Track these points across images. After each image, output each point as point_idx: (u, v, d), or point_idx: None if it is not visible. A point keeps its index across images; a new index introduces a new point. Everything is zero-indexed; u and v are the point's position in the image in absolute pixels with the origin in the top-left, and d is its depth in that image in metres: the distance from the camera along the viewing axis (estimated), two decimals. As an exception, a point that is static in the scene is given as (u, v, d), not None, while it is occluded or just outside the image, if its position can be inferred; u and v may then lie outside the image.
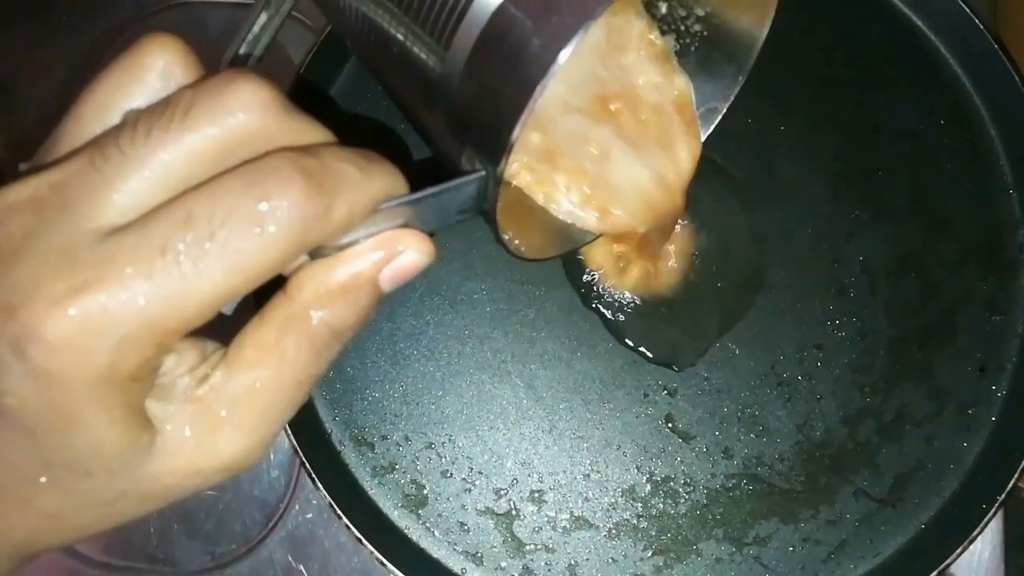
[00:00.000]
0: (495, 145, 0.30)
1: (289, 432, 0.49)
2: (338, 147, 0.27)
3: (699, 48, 0.43)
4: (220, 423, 0.27)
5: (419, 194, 0.28)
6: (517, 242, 0.38)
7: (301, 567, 0.55)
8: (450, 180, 0.30)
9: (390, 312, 0.53)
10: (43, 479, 0.26)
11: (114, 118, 0.27)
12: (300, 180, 0.25)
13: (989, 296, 0.54)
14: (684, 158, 0.43)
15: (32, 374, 0.24)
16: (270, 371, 0.27)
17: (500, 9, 0.29)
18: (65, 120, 0.27)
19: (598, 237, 0.43)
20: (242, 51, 0.35)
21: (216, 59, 0.57)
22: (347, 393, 0.53)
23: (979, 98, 0.55)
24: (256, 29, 0.34)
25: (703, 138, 0.43)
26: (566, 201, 0.41)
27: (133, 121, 0.25)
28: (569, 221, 0.42)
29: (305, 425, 0.51)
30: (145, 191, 0.25)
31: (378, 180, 0.27)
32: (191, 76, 0.27)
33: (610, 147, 0.42)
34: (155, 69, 0.27)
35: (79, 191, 0.25)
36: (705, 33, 0.42)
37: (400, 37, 0.31)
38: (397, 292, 0.51)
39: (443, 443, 0.52)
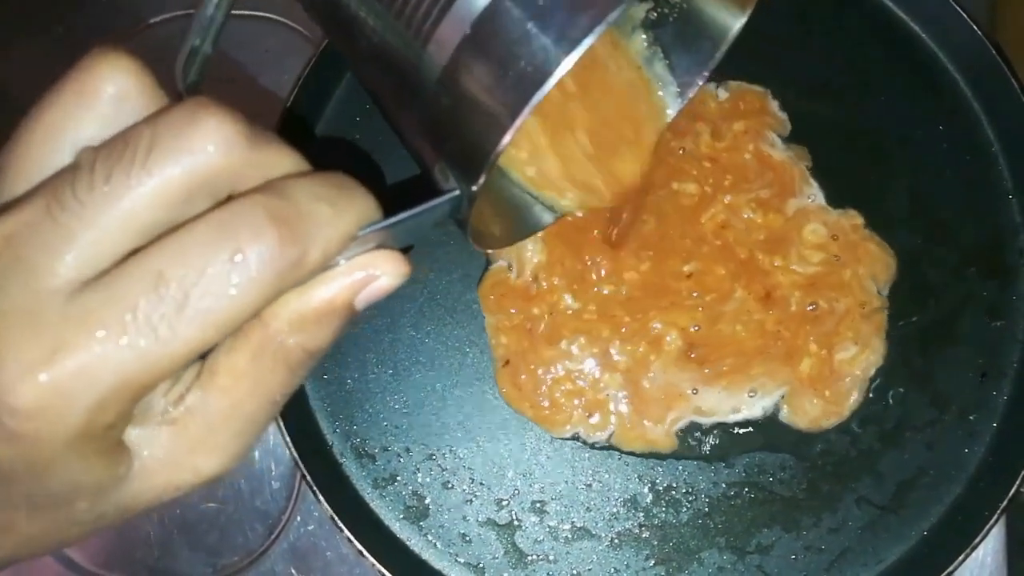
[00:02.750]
0: (473, 165, 0.29)
1: (290, 444, 0.49)
2: (309, 179, 0.26)
3: (677, 19, 0.42)
4: (197, 443, 0.27)
5: (392, 220, 0.28)
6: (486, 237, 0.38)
7: None
8: (423, 203, 0.29)
9: (390, 323, 0.53)
10: (22, 512, 0.26)
11: (64, 151, 0.25)
12: (273, 230, 0.24)
13: (989, 302, 0.54)
14: (629, 169, 0.43)
15: (6, 437, 0.23)
16: (245, 393, 0.27)
17: (493, 3, 0.28)
18: (11, 148, 0.26)
19: (555, 222, 0.43)
20: (196, 42, 0.33)
21: (218, 71, 0.58)
22: (348, 405, 0.53)
23: (978, 103, 0.56)
24: (209, 12, 0.32)
25: (673, 114, 0.43)
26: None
27: (89, 164, 0.24)
28: (542, 201, 0.42)
29: (306, 437, 0.51)
30: (109, 242, 0.24)
31: (351, 213, 0.26)
32: (146, 100, 0.26)
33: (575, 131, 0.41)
34: (106, 94, 0.25)
35: (38, 245, 0.23)
36: (684, 4, 0.41)
37: (373, 26, 0.30)
38: (397, 303, 0.53)
39: (444, 454, 0.52)
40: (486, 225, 0.39)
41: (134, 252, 0.24)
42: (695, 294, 0.53)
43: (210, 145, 0.24)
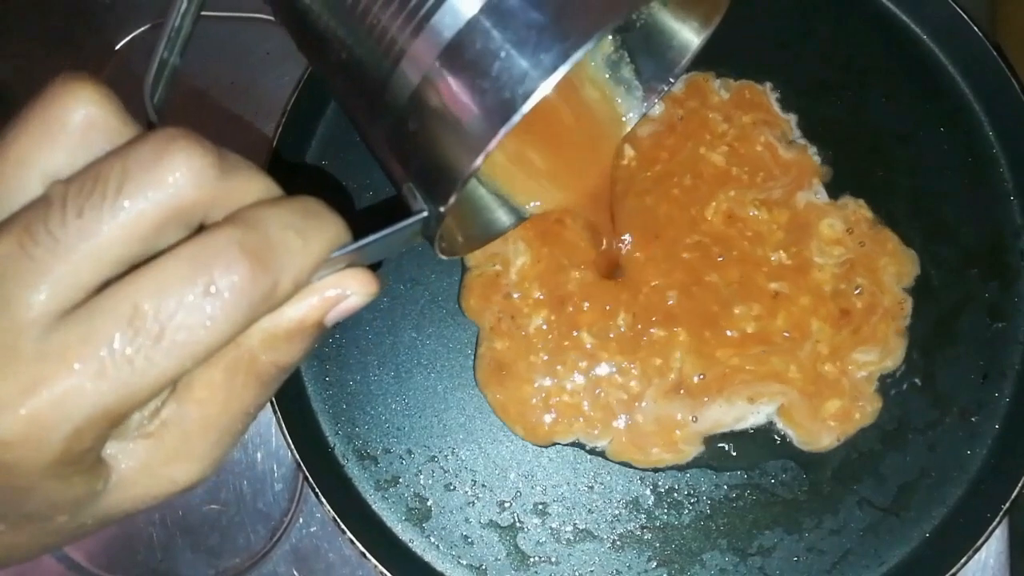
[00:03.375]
0: (441, 187, 0.30)
1: (292, 446, 0.49)
2: (278, 208, 0.26)
3: (644, 24, 0.42)
4: (173, 455, 0.28)
5: (361, 243, 0.28)
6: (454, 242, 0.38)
7: None
8: (392, 224, 0.30)
9: (392, 325, 0.53)
10: (2, 525, 0.27)
11: (34, 181, 0.25)
12: (245, 263, 0.24)
13: (991, 302, 0.54)
14: (589, 178, 0.43)
15: None
16: (220, 407, 0.27)
17: (469, 25, 0.28)
18: None
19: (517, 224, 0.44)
20: (164, 55, 0.32)
21: (218, 75, 0.58)
22: (349, 407, 0.53)
23: (978, 104, 0.56)
24: (176, 23, 0.32)
25: (636, 120, 0.43)
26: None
27: (61, 199, 0.24)
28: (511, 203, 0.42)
29: (308, 439, 0.52)
30: (83, 275, 0.24)
31: (320, 240, 0.26)
32: (114, 127, 0.26)
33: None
34: (73, 123, 0.25)
35: (12, 279, 0.24)
36: (648, 18, 0.41)
37: (342, 40, 0.31)
38: (399, 305, 0.53)
39: (446, 456, 0.53)
40: (451, 233, 0.40)
41: (109, 283, 0.24)
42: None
43: (180, 179, 0.24)
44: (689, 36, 0.39)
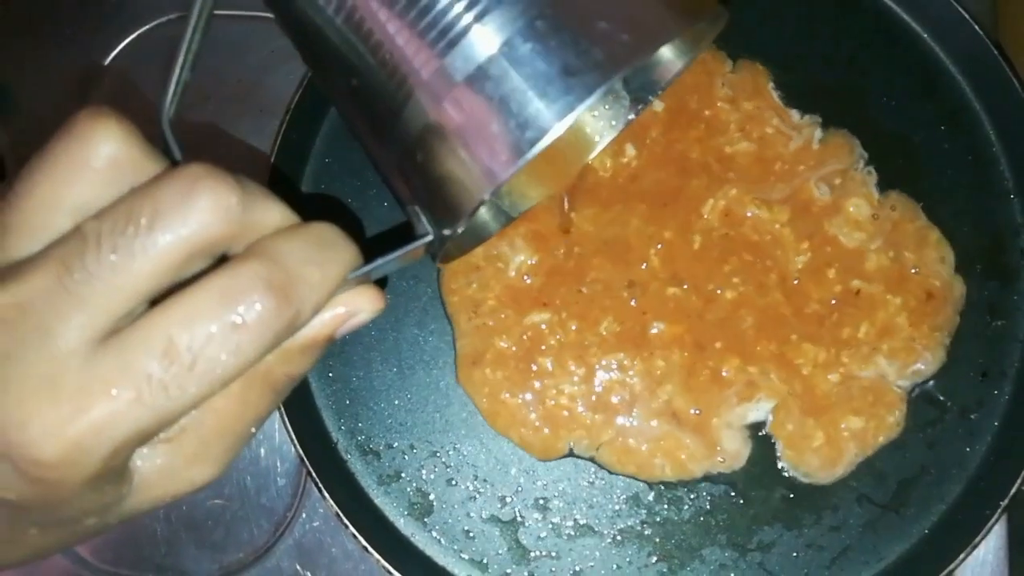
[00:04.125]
0: (447, 216, 0.31)
1: (295, 442, 0.50)
2: (298, 241, 0.28)
3: None
4: (192, 458, 0.30)
5: (370, 266, 0.30)
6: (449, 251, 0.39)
7: (308, 574, 0.56)
8: (400, 248, 0.32)
9: (395, 321, 0.54)
10: (35, 529, 0.29)
11: (63, 216, 0.27)
12: (271, 297, 0.27)
13: (990, 301, 0.55)
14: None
15: (28, 480, 0.26)
16: (236, 414, 0.30)
17: (484, 66, 0.29)
18: (10, 212, 0.27)
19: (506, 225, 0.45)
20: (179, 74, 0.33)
21: (225, 73, 0.59)
22: (353, 402, 0.54)
23: (979, 104, 0.57)
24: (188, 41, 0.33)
25: (621, 128, 0.43)
26: None
27: (96, 236, 0.26)
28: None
29: (311, 434, 0.53)
30: (117, 305, 0.26)
31: (337, 269, 0.29)
32: (138, 161, 0.28)
33: None
34: (100, 161, 0.27)
35: (51, 312, 0.26)
36: None
37: (354, 67, 0.32)
38: (402, 302, 0.54)
39: (448, 451, 0.53)
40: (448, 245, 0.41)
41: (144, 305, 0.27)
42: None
43: (207, 216, 0.26)
44: (680, 56, 0.40)
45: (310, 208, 0.53)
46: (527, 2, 0.29)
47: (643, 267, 0.54)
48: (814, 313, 0.54)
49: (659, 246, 0.54)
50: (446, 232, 0.32)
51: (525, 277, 0.54)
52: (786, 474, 0.53)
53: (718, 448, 0.52)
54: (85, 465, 0.26)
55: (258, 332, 0.27)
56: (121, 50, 0.61)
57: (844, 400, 0.53)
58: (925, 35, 0.57)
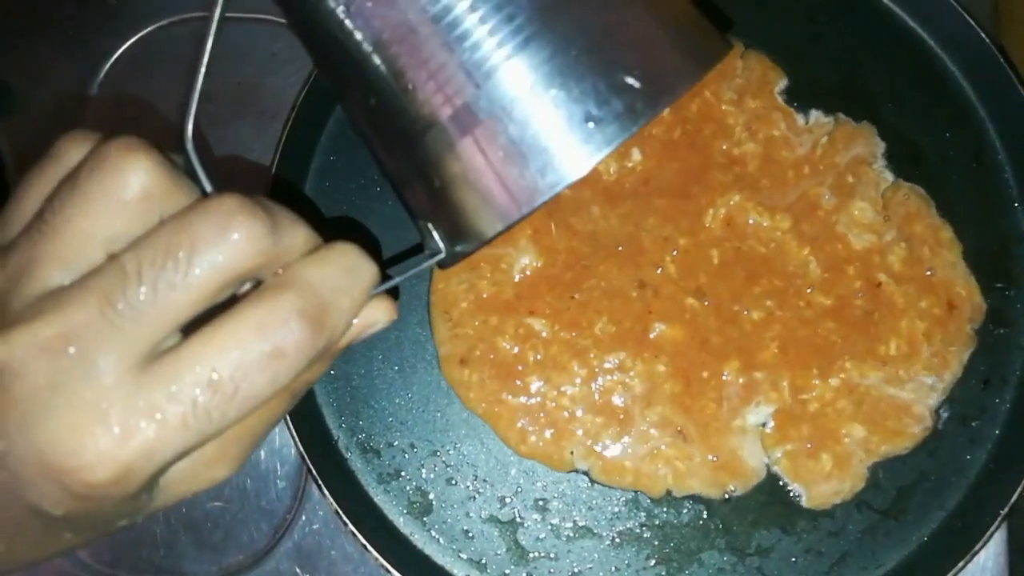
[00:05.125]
0: (459, 238, 0.34)
1: (296, 439, 0.51)
2: (327, 267, 0.31)
3: None
4: (213, 460, 0.32)
5: (389, 284, 0.33)
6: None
7: None
8: (413, 266, 0.35)
9: (397, 320, 0.54)
10: (70, 533, 0.31)
11: (96, 248, 0.29)
12: (306, 328, 0.29)
13: (993, 308, 0.55)
14: None
15: (75, 498, 0.28)
16: (256, 419, 0.32)
17: (510, 108, 0.31)
18: (44, 243, 0.29)
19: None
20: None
21: (226, 74, 0.60)
22: (354, 400, 0.55)
23: (984, 110, 0.57)
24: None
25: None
26: None
27: (136, 271, 0.28)
28: None
29: (312, 432, 0.54)
30: (158, 334, 0.28)
31: (362, 292, 0.32)
32: (169, 191, 0.29)
33: None
34: (132, 195, 0.29)
35: (95, 343, 0.28)
36: None
37: (375, 91, 0.33)
38: (404, 300, 0.55)
39: (448, 451, 0.55)
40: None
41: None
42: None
43: (242, 250, 0.29)
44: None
45: (316, 208, 0.55)
46: (554, 49, 0.31)
47: (658, 271, 0.55)
48: (835, 334, 0.55)
49: (674, 252, 0.55)
50: (457, 250, 0.34)
51: (517, 276, 0.55)
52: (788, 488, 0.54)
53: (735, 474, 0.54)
54: (132, 483, 0.28)
55: (294, 359, 0.29)
56: (123, 52, 0.62)
57: (859, 420, 0.54)
58: (930, 41, 0.58)
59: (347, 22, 0.32)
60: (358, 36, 0.32)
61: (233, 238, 0.28)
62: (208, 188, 0.32)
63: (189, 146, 0.32)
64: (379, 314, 0.34)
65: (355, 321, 0.33)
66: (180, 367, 0.28)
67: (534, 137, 0.31)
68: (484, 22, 0.31)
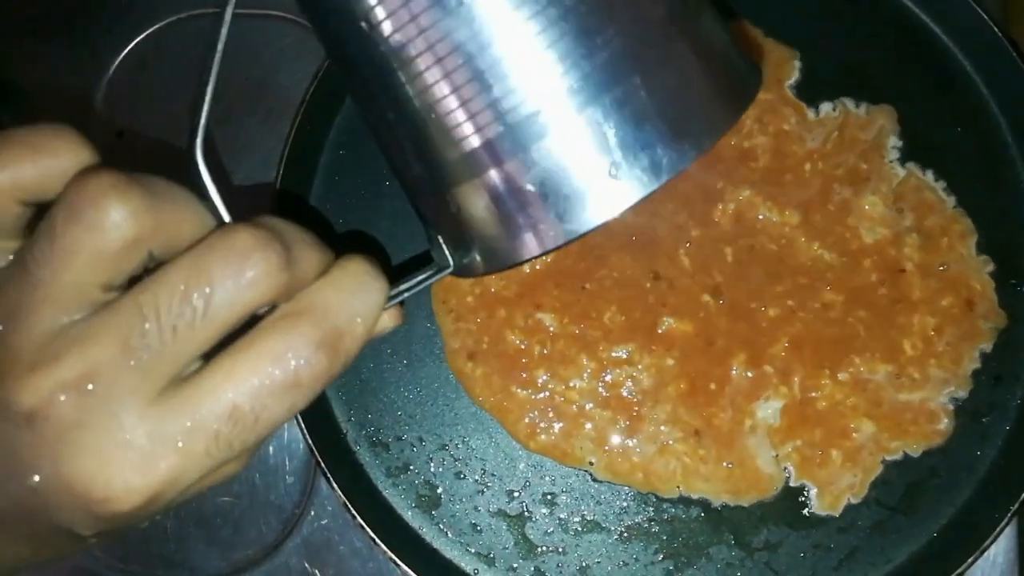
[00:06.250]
0: (471, 265, 0.35)
1: (305, 433, 0.53)
2: (341, 292, 0.32)
3: None
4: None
5: (397, 298, 0.35)
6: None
7: (316, 572, 0.58)
8: (422, 279, 0.36)
9: (405, 314, 0.55)
10: (91, 541, 0.33)
11: (94, 292, 0.29)
12: (323, 357, 0.31)
13: (1005, 304, 0.56)
14: None
15: (104, 522, 0.30)
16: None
17: (533, 155, 0.31)
18: (39, 288, 0.29)
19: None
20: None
21: (234, 70, 0.61)
22: (362, 394, 0.56)
23: (996, 104, 0.58)
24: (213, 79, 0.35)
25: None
26: None
27: (153, 313, 0.29)
28: None
29: (321, 426, 0.55)
30: (178, 368, 0.30)
31: (375, 312, 0.33)
32: (159, 230, 0.30)
33: None
34: (117, 245, 0.29)
35: (118, 381, 0.29)
36: None
37: (397, 111, 0.33)
38: (413, 296, 0.55)
39: (456, 444, 0.56)
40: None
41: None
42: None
43: (259, 285, 0.30)
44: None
45: (325, 207, 0.56)
46: (588, 97, 0.31)
47: (673, 263, 0.56)
48: (850, 329, 0.56)
49: (687, 244, 0.56)
50: (465, 266, 0.35)
51: (527, 268, 0.56)
52: (797, 484, 0.55)
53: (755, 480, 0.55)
54: (158, 506, 0.30)
55: (311, 388, 0.31)
56: (132, 49, 0.63)
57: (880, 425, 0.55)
58: (943, 35, 0.59)
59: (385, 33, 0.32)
60: (392, 53, 0.32)
61: (249, 276, 0.29)
62: (221, 209, 0.32)
63: (202, 167, 0.32)
64: (386, 319, 0.35)
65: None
66: (201, 399, 0.30)
67: (557, 183, 0.31)
68: (527, 61, 0.31)
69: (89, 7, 0.64)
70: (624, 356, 0.55)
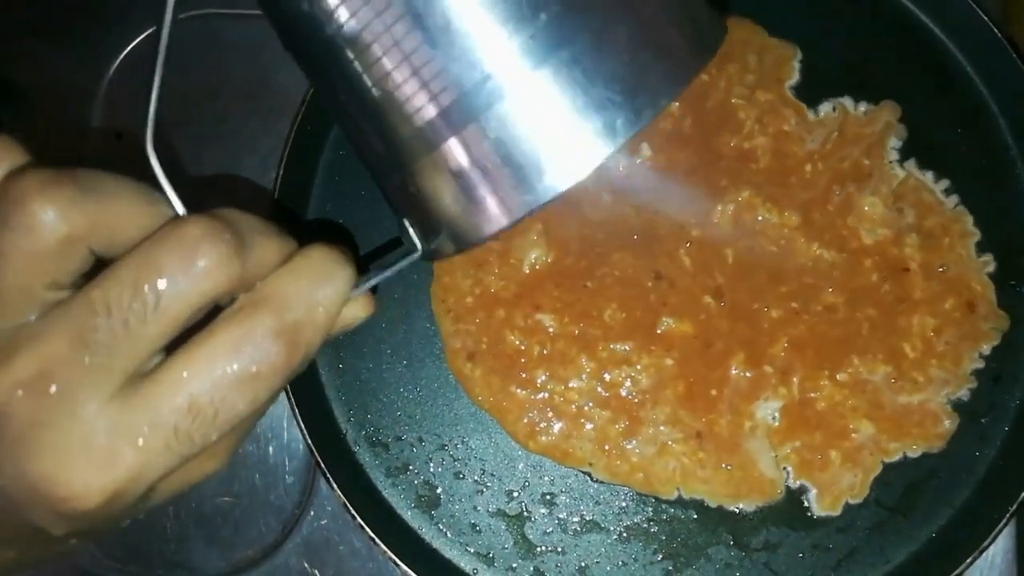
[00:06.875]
0: (434, 248, 0.34)
1: (305, 433, 0.53)
2: (300, 280, 0.31)
3: None
4: (200, 455, 0.32)
5: (364, 287, 0.34)
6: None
7: (316, 572, 0.59)
8: (389, 264, 0.35)
9: (405, 314, 0.57)
10: (72, 542, 0.33)
11: (38, 291, 0.29)
12: (282, 348, 0.30)
13: (1004, 305, 0.56)
14: None
15: (71, 521, 0.30)
16: None
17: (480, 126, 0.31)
18: None
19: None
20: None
21: (235, 71, 0.62)
22: (362, 394, 0.57)
23: (996, 104, 0.58)
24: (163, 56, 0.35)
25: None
26: None
27: (104, 308, 0.29)
28: None
29: (321, 426, 0.55)
30: (133, 364, 0.29)
31: (338, 300, 0.32)
32: (97, 224, 0.29)
33: None
34: (53, 246, 0.29)
35: (72, 379, 0.29)
36: None
37: (354, 89, 0.33)
38: (412, 296, 0.57)
39: (456, 444, 0.56)
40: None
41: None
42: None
43: (211, 276, 0.29)
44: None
45: (324, 207, 0.56)
46: (537, 59, 0.30)
47: (674, 263, 0.56)
48: (850, 330, 0.56)
49: (688, 244, 0.56)
50: (432, 251, 0.34)
51: (526, 269, 0.57)
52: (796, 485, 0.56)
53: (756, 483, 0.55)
54: (124, 503, 0.30)
55: (271, 378, 0.30)
56: (132, 49, 0.63)
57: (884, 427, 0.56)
58: (943, 36, 0.59)
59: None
60: (336, 31, 0.32)
61: (200, 265, 0.29)
62: (175, 202, 0.32)
63: (153, 159, 0.32)
64: (356, 309, 0.34)
65: (344, 316, 0.34)
66: (158, 394, 0.29)
67: (512, 151, 0.31)
68: (470, 25, 0.30)
69: (89, 7, 0.64)
70: (623, 354, 0.56)
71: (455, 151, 0.31)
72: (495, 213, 0.32)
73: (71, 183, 0.29)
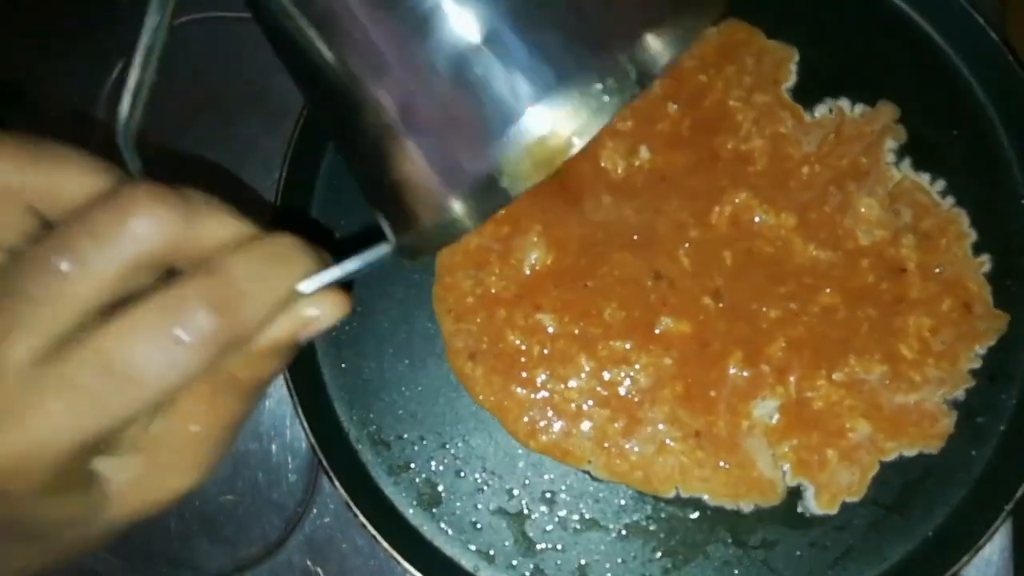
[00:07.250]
0: (399, 234, 0.31)
1: (308, 431, 0.54)
2: (245, 255, 0.29)
3: None
4: (166, 467, 0.31)
5: (328, 275, 0.31)
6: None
7: (319, 570, 0.60)
8: (356, 255, 0.32)
9: (407, 314, 0.58)
10: (20, 544, 0.31)
11: None
12: (213, 314, 0.28)
13: (1000, 305, 0.57)
14: None
15: None
16: (205, 421, 0.31)
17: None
18: None
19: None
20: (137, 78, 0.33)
21: (236, 73, 0.62)
22: (364, 393, 0.57)
23: (992, 107, 0.59)
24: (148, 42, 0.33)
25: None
26: None
27: (31, 262, 0.28)
28: None
29: (323, 424, 0.56)
30: (56, 325, 0.27)
31: (286, 281, 0.30)
32: (29, 178, 0.29)
33: None
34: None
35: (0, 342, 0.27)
36: None
37: (314, 62, 0.31)
38: (414, 296, 0.58)
39: (457, 443, 0.57)
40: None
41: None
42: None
43: (147, 236, 0.28)
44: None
45: (327, 209, 0.56)
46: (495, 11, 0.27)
47: (674, 263, 0.57)
48: (847, 330, 0.57)
49: (687, 245, 0.57)
50: (403, 240, 0.32)
51: (527, 270, 0.57)
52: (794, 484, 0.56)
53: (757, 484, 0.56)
54: (32, 475, 0.28)
55: (200, 347, 0.28)
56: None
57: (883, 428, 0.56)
58: (938, 39, 0.59)
59: None
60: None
61: (135, 223, 0.28)
62: (133, 166, 0.31)
63: (121, 132, 0.31)
64: (326, 306, 0.31)
65: (303, 314, 0.31)
66: (74, 354, 0.27)
67: (471, 118, 0.27)
68: None
69: (93, 10, 0.64)
70: (623, 354, 0.56)
71: (411, 120, 0.29)
72: (459, 180, 0.29)
73: (6, 138, 0.29)
